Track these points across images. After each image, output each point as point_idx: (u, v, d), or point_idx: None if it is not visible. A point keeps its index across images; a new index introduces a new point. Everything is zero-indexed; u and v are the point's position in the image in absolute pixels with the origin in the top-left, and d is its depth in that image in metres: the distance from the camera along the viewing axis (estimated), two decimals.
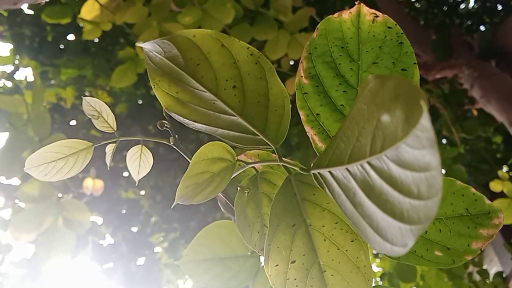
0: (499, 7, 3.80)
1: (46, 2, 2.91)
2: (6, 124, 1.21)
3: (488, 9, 3.80)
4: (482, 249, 0.40)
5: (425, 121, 0.13)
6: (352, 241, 0.26)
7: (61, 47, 3.25)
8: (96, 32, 1.56)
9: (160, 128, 0.34)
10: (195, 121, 0.28)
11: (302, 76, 0.37)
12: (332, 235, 0.26)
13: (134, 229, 3.55)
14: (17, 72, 3.20)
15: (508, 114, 2.13)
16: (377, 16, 0.39)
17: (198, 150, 0.29)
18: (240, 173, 0.33)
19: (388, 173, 0.16)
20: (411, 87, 0.14)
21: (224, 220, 0.50)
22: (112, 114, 0.36)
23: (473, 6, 3.93)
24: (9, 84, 3.32)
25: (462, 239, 0.40)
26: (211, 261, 0.49)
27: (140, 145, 0.38)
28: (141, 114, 3.66)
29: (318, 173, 0.24)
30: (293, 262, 0.27)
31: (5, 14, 2.82)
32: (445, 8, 3.87)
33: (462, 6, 3.97)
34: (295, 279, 0.27)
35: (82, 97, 0.34)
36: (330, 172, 0.22)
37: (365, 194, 0.18)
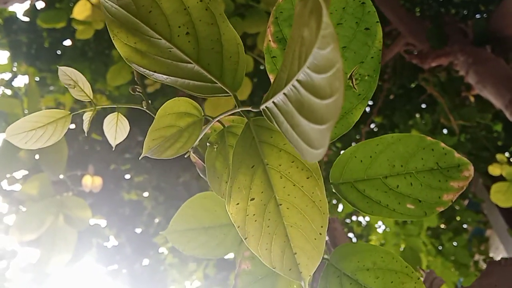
0: None
1: (41, 8, 2.94)
2: (3, 123, 1.23)
3: None
4: (453, 201, 0.42)
5: (325, 18, 0.15)
6: (307, 178, 0.28)
7: (58, 53, 3.27)
8: (88, 32, 1.58)
9: (132, 93, 0.35)
10: (155, 71, 0.30)
11: (270, 40, 0.39)
12: (288, 173, 0.28)
13: (138, 230, 3.57)
14: (15, 79, 3.22)
15: (504, 98, 2.14)
16: None
17: (164, 104, 0.31)
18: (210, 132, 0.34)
19: (311, 83, 0.18)
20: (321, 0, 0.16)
21: (208, 191, 0.52)
22: (88, 84, 0.37)
23: None
24: (8, 91, 3.34)
25: (433, 191, 0.41)
26: (196, 230, 0.50)
27: (116, 113, 0.39)
28: (140, 117, 3.68)
29: (266, 107, 0.25)
30: (252, 199, 0.28)
31: (1, 21, 2.85)
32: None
33: None
34: (254, 214, 0.28)
35: (58, 66, 0.36)
36: (273, 102, 0.23)
37: (298, 112, 0.20)
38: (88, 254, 3.13)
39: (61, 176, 1.53)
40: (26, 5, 2.87)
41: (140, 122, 3.58)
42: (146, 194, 3.84)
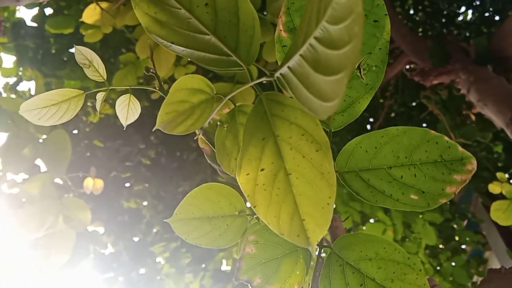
0: (497, 18, 3.83)
1: (49, 14, 2.98)
2: (8, 121, 1.24)
3: (486, 20, 3.84)
4: (456, 193, 0.42)
5: None
6: (317, 150, 0.28)
7: (64, 59, 3.30)
8: (97, 35, 1.60)
9: (146, 73, 0.36)
10: (172, 43, 0.31)
11: (281, 30, 0.40)
12: (298, 145, 0.29)
13: (136, 239, 3.55)
14: (20, 84, 3.25)
15: (505, 116, 2.15)
16: None
17: (178, 80, 0.31)
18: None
19: (328, 37, 0.18)
20: None
21: (213, 182, 0.52)
22: (103, 64, 0.38)
23: (471, 18, 3.98)
24: (13, 96, 3.36)
25: (437, 183, 0.42)
26: (200, 220, 0.51)
27: (128, 94, 0.40)
28: (143, 124, 3.69)
29: (281, 74, 0.26)
30: (262, 170, 0.29)
31: (9, 26, 2.88)
32: (443, 20, 3.92)
33: (460, 18, 4.02)
34: (263, 184, 0.29)
35: (74, 45, 0.37)
36: (288, 67, 0.24)
37: (314, 70, 0.20)
38: (85, 260, 3.11)
39: (63, 178, 1.53)
40: (35, 11, 2.91)
41: (142, 129, 3.60)
42: (145, 203, 3.84)
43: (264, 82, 0.30)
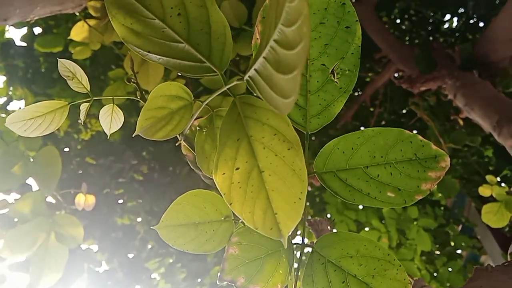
0: (481, 24, 3.90)
1: (38, 33, 2.99)
2: None
3: (471, 26, 3.91)
4: (431, 190, 0.44)
5: None
6: (288, 149, 0.30)
7: (54, 77, 3.32)
8: (86, 52, 1.62)
9: (128, 83, 0.38)
10: (149, 52, 0.32)
11: (257, 38, 0.41)
12: (271, 144, 0.30)
13: (130, 255, 3.53)
14: (10, 103, 3.25)
15: (491, 119, 2.19)
16: None
17: (156, 87, 0.33)
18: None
19: (284, 39, 0.20)
20: None
21: (199, 189, 0.54)
22: (86, 76, 0.39)
23: (456, 25, 4.05)
24: (3, 116, 3.35)
25: (412, 181, 0.43)
26: (186, 226, 0.52)
27: (111, 104, 0.41)
28: (134, 141, 3.70)
29: (249, 76, 0.28)
30: (237, 169, 0.30)
31: None
32: (429, 28, 3.99)
33: (446, 25, 4.09)
34: (238, 182, 0.30)
35: (58, 58, 0.38)
36: (255, 69, 0.26)
37: (275, 70, 0.22)
38: (79, 279, 3.08)
39: (54, 195, 1.53)
40: (24, 31, 2.92)
41: (133, 145, 3.60)
42: (139, 219, 3.82)
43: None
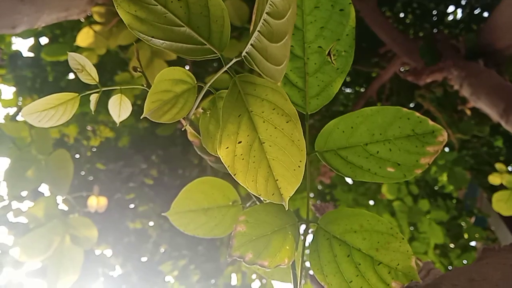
0: (485, 14, 3.88)
1: (45, 43, 3.04)
2: (10, 145, 1.27)
3: (475, 17, 3.89)
4: (429, 163, 0.45)
5: None
6: (287, 122, 0.32)
7: (62, 86, 3.37)
8: (92, 58, 1.65)
9: (133, 72, 0.40)
10: (153, 37, 0.34)
11: (253, 19, 0.43)
12: (270, 118, 0.32)
13: (144, 259, 3.56)
14: (20, 113, 3.30)
15: (498, 107, 2.18)
16: None
17: (160, 72, 0.35)
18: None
19: (275, 10, 0.22)
20: None
21: (206, 176, 0.56)
22: (95, 68, 0.41)
23: (461, 16, 4.03)
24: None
25: (411, 156, 0.45)
26: (196, 212, 0.54)
27: (120, 94, 0.43)
28: (143, 145, 3.73)
29: (246, 52, 0.29)
30: (240, 142, 0.32)
31: (6, 57, 2.94)
32: (433, 20, 3.97)
33: (450, 17, 4.07)
34: (241, 154, 0.32)
35: (68, 52, 0.40)
36: (251, 44, 0.28)
37: (269, 41, 0.24)
38: (94, 284, 3.13)
39: (67, 198, 1.56)
40: (31, 41, 2.98)
41: (143, 150, 3.64)
42: (151, 222, 3.85)
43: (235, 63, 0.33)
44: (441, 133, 0.45)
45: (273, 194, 0.30)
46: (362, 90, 4.29)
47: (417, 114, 0.46)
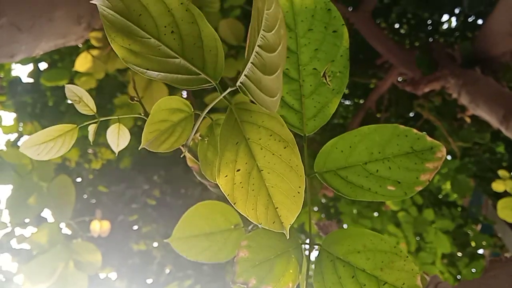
0: (480, 21, 3.91)
1: (44, 68, 3.07)
2: (12, 172, 1.28)
3: (469, 25, 3.92)
4: (430, 180, 0.45)
5: None
6: (284, 147, 0.32)
7: (61, 110, 3.38)
8: (91, 82, 1.66)
9: (131, 101, 0.40)
10: (147, 69, 0.35)
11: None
12: (268, 144, 0.32)
13: (149, 281, 3.53)
14: (21, 139, 3.31)
15: (498, 114, 2.18)
16: None
17: (157, 101, 0.35)
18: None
19: (267, 43, 0.22)
20: None
21: (207, 201, 0.55)
22: (92, 99, 0.42)
23: (455, 25, 4.06)
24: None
25: (411, 173, 0.45)
26: (198, 237, 0.54)
27: (118, 123, 0.44)
28: (145, 166, 3.73)
29: (241, 82, 0.30)
30: (238, 170, 0.32)
31: (6, 84, 2.97)
32: (428, 30, 4.00)
33: (445, 26, 4.10)
34: (240, 182, 0.32)
35: (65, 84, 0.41)
36: (245, 75, 0.28)
37: (262, 73, 0.24)
38: None
39: (70, 224, 1.55)
40: (30, 67, 3.00)
41: (144, 170, 3.63)
42: (155, 243, 3.83)
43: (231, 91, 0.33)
44: (440, 149, 0.45)
45: (273, 223, 0.30)
46: (361, 101, 4.30)
47: (415, 131, 0.46)
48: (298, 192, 0.30)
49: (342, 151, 0.45)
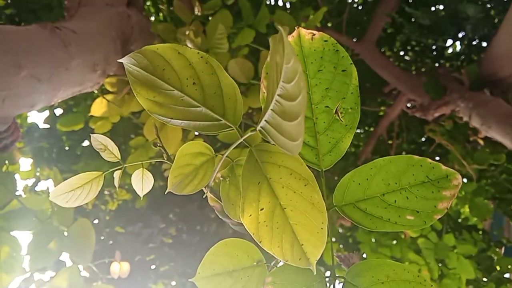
0: (484, 44, 3.94)
1: (60, 114, 3.15)
2: (32, 218, 1.30)
3: (474, 47, 3.95)
4: (448, 208, 0.46)
5: (285, 41, 0.21)
6: (305, 185, 0.33)
7: (78, 154, 3.45)
8: (106, 126, 1.71)
9: (154, 147, 0.42)
10: (172, 118, 0.37)
11: (264, 92, 0.46)
12: (289, 183, 0.33)
13: None
14: (39, 184, 3.37)
15: (510, 134, 2.18)
16: (314, 35, 0.48)
17: (181, 147, 0.37)
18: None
19: (286, 93, 0.24)
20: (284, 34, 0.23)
21: (229, 239, 0.57)
22: (116, 146, 0.44)
23: (460, 49, 4.10)
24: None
25: (428, 202, 0.46)
26: (221, 275, 0.54)
27: (141, 168, 0.46)
28: (160, 204, 3.75)
29: (261, 127, 0.31)
30: (262, 209, 0.34)
31: (23, 131, 3.05)
32: (434, 55, 4.05)
33: (450, 50, 4.14)
34: (264, 221, 0.33)
35: (90, 134, 0.43)
36: (265, 120, 0.30)
37: (282, 118, 0.26)
38: None
39: (89, 267, 1.56)
40: (46, 113, 3.09)
41: (159, 209, 3.65)
42: (173, 282, 3.80)
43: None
44: (456, 177, 0.46)
45: (300, 259, 0.31)
46: (372, 129, 4.31)
47: (429, 160, 0.47)
48: (322, 228, 0.32)
49: (360, 183, 0.46)
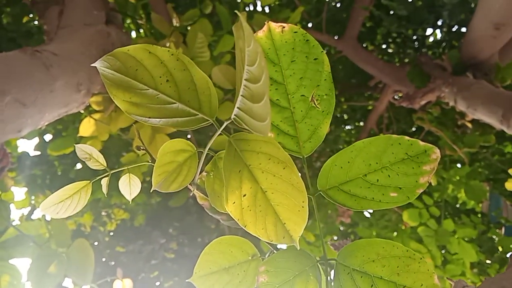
0: (463, 29, 3.99)
1: (49, 140, 3.15)
2: (30, 244, 1.30)
3: (454, 34, 4.00)
4: (429, 181, 0.47)
5: (245, 27, 0.22)
6: (283, 168, 0.34)
7: (71, 177, 3.44)
8: (96, 145, 1.71)
9: (137, 150, 0.43)
10: (149, 117, 0.38)
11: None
12: (268, 168, 0.35)
13: None
14: (34, 212, 3.35)
15: (497, 114, 2.21)
16: (284, 27, 0.49)
17: (162, 146, 0.38)
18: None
19: (252, 76, 0.25)
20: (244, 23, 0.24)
21: (223, 236, 0.57)
22: (101, 154, 0.45)
23: (441, 36, 4.14)
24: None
25: (410, 177, 0.47)
26: (218, 273, 0.55)
27: (128, 174, 0.47)
28: (159, 220, 3.74)
29: (235, 115, 0.33)
30: (244, 195, 0.35)
31: (15, 160, 3.03)
32: (415, 45, 4.09)
33: (431, 39, 4.19)
34: (248, 206, 0.34)
35: (75, 145, 0.44)
36: (237, 107, 0.31)
37: (251, 102, 0.27)
38: None
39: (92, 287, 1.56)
40: (35, 141, 3.08)
41: (159, 225, 3.64)
42: None
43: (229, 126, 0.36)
44: (434, 151, 0.47)
45: (283, 237, 0.32)
46: (362, 124, 4.34)
47: (407, 138, 0.48)
48: (302, 207, 0.33)
49: (342, 167, 0.48)
